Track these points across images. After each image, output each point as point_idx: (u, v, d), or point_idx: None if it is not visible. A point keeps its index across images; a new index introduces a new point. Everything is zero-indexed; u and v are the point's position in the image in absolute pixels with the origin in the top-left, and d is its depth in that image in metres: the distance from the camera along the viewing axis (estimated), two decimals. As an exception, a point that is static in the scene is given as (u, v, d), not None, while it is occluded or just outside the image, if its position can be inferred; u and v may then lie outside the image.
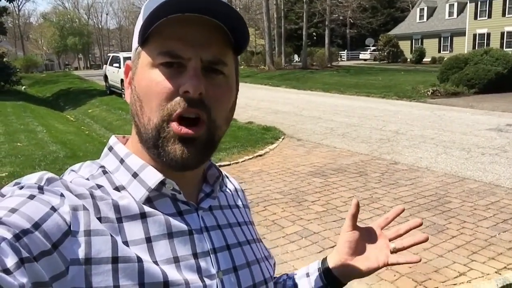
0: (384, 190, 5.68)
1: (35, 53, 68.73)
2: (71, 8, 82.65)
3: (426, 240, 0.83)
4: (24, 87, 23.98)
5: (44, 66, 64.22)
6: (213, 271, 0.65)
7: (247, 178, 6.29)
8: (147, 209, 0.63)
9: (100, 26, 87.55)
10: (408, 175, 6.34)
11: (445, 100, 14.47)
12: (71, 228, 0.54)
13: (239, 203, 0.81)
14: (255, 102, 14.71)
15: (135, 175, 0.65)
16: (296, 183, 6.05)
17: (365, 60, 45.66)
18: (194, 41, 0.61)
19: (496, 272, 3.61)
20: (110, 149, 0.70)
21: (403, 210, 0.87)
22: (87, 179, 0.64)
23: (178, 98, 0.61)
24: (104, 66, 19.97)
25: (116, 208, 0.61)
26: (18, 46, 70.17)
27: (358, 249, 0.84)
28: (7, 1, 20.70)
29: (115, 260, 0.56)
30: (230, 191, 0.81)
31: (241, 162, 7.18)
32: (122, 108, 13.41)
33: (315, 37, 49.76)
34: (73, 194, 0.58)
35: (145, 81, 0.63)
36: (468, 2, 36.57)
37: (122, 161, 0.67)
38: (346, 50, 51.09)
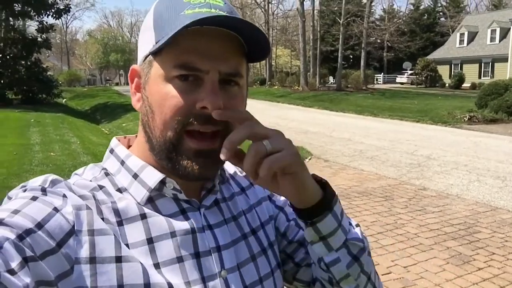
0: (409, 216, 5.48)
1: (79, 68, 71.71)
2: (115, 27, 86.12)
3: None
4: (64, 99, 24.94)
5: (87, 80, 66.84)
6: (216, 270, 0.64)
7: (269, 197, 6.22)
8: (147, 210, 0.63)
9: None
10: (436, 202, 6.09)
11: (482, 126, 13.97)
12: (75, 228, 0.55)
13: (246, 184, 0.80)
14: (285, 121, 14.69)
15: (135, 176, 0.65)
16: (318, 204, 5.92)
17: (402, 83, 44.91)
18: (212, 54, 0.60)
19: (524, 310, 3.38)
20: (111, 151, 0.70)
21: None
22: (90, 181, 0.65)
23: (194, 113, 0.60)
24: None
25: (116, 211, 0.61)
26: (64, 61, 73.34)
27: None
28: (54, 19, 21.75)
29: (118, 259, 0.57)
30: (234, 177, 0.80)
31: (265, 180, 7.12)
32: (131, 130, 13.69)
33: (351, 59, 49.60)
34: (76, 195, 0.59)
35: (159, 94, 0.61)
36: (511, 27, 35.57)
37: (122, 162, 0.68)
38: (382, 73, 50.53)
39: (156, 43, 0.61)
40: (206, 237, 0.66)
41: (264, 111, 18.50)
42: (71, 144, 10.08)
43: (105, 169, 0.68)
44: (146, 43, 0.64)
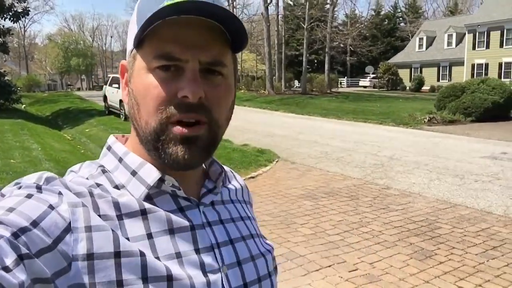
0: (374, 215, 5.63)
1: (38, 73, 69.50)
2: (76, 30, 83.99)
3: None
4: (24, 105, 24.08)
5: (47, 86, 64.86)
6: (217, 266, 0.64)
7: (237, 199, 6.25)
8: (147, 205, 0.62)
9: (104, 48, 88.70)
10: (399, 200, 6.29)
11: (441, 127, 14.52)
12: (71, 225, 0.54)
13: (242, 199, 0.81)
14: (252, 125, 14.76)
15: (133, 173, 0.65)
16: (286, 205, 6.00)
17: (364, 87, 46.01)
18: (191, 43, 0.60)
19: (482, 300, 3.54)
20: (109, 148, 0.70)
21: None
22: (87, 178, 0.64)
23: (176, 103, 0.60)
24: (104, 86, 20.12)
25: (116, 205, 0.61)
26: (22, 66, 70.89)
27: None
28: (12, 22, 21.03)
29: (117, 254, 0.56)
30: (235, 186, 0.81)
31: (233, 183, 7.14)
32: (119, 128, 13.45)
33: (316, 64, 50.36)
34: (72, 193, 0.58)
35: (142, 85, 0.62)
36: (467, 33, 37.12)
37: (120, 159, 0.67)
38: (346, 77, 51.60)
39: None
40: (206, 234, 0.66)
41: (231, 115, 18.53)
42: (32, 150, 9.76)
43: (102, 166, 0.67)
44: (130, 38, 0.65)
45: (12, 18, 20.67)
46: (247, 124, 14.83)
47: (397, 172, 7.98)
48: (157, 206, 0.63)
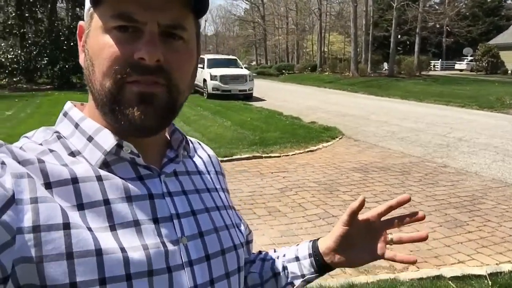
0: (419, 188, 5.79)
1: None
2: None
3: (425, 238, 0.77)
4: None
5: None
6: (175, 237, 0.63)
7: (291, 168, 6.74)
8: (103, 172, 0.61)
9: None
10: (451, 178, 6.32)
11: (532, 112, 13.53)
12: (15, 197, 0.52)
13: (211, 169, 0.79)
14: (326, 105, 14.99)
15: (90, 138, 0.63)
16: (335, 175, 6.36)
17: (460, 70, 43.05)
18: (150, 4, 0.57)
19: (496, 264, 3.69)
20: (65, 114, 0.67)
21: (409, 199, 0.77)
22: (41, 144, 0.62)
23: (131, 63, 0.58)
24: (191, 67, 21.46)
25: (71, 171, 0.59)
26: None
27: (352, 242, 0.79)
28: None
29: (66, 226, 0.53)
30: (202, 158, 0.79)
31: (291, 155, 7.63)
32: (201, 105, 14.48)
33: (408, 45, 48.08)
34: (19, 160, 0.56)
35: (98, 45, 0.60)
36: None
37: (77, 125, 0.65)
38: (440, 60, 48.64)
39: None
40: (166, 204, 0.64)
41: (309, 96, 18.84)
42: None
43: (57, 132, 0.65)
44: None
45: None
46: (321, 104, 15.10)
47: (461, 153, 7.87)
48: (115, 173, 0.62)
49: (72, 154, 0.62)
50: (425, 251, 3.91)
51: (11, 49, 21.33)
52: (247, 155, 7.40)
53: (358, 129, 10.37)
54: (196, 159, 0.77)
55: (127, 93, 0.59)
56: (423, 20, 32.76)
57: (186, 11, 0.61)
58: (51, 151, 0.60)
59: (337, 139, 9.11)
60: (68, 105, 0.68)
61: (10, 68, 20.93)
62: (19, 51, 21.11)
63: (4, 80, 20.73)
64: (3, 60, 20.80)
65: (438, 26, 42.61)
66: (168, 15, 0.59)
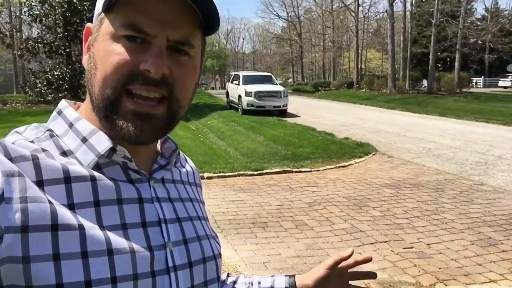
0: (453, 206, 5.63)
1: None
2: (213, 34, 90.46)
3: (369, 260, 0.87)
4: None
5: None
6: (162, 241, 0.63)
7: (321, 183, 6.72)
8: (96, 173, 0.61)
9: (236, 50, 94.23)
10: (488, 196, 6.12)
11: None
12: (5, 195, 0.51)
13: (193, 181, 0.81)
14: (361, 122, 14.85)
15: (84, 140, 0.63)
16: (366, 191, 6.29)
17: (504, 88, 41.61)
18: (162, 18, 0.59)
19: (531, 284, 3.55)
20: (59, 112, 0.67)
21: (370, 259, 0.87)
22: (32, 141, 0.61)
23: (136, 73, 0.59)
24: (227, 83, 21.86)
25: (65, 169, 0.58)
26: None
27: (328, 284, 0.87)
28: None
29: (54, 227, 0.53)
30: (187, 170, 0.80)
31: (322, 170, 7.61)
32: (236, 120, 14.70)
33: (448, 62, 46.98)
34: (11, 157, 0.56)
35: (105, 51, 0.60)
36: None
37: (71, 125, 0.65)
38: (483, 77, 47.20)
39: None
40: (154, 209, 0.65)
41: (344, 112, 18.73)
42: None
43: (50, 130, 0.64)
44: (100, 1, 0.63)
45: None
46: (356, 121, 14.97)
47: (499, 171, 7.60)
48: (106, 176, 0.62)
49: (64, 153, 0.62)
50: (455, 269, 3.81)
51: (57, 66, 22.38)
52: (277, 169, 7.44)
53: (393, 145, 10.21)
54: (182, 169, 0.78)
55: (122, 106, 0.60)
56: (463, 37, 32.02)
57: (195, 29, 0.62)
58: (43, 150, 0.59)
59: (370, 155, 9.01)
60: (63, 104, 0.68)
61: (56, 85, 21.95)
62: (65, 69, 22.13)
63: (50, 96, 21.72)
64: (50, 77, 21.85)
65: (480, 42, 41.49)
66: (178, 31, 0.60)
